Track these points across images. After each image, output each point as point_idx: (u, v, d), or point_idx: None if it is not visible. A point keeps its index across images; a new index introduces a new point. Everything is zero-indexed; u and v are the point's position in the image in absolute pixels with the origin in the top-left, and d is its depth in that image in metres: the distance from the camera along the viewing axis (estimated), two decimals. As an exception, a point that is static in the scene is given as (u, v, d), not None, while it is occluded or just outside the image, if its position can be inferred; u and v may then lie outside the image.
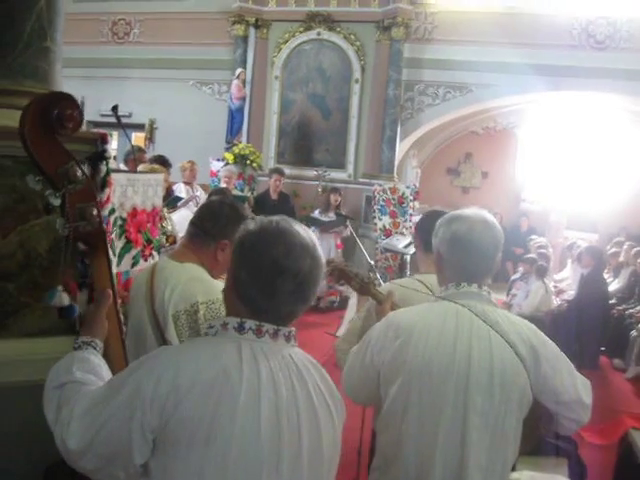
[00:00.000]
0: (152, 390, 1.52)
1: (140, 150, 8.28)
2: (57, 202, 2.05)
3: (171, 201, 6.90)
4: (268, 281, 1.63)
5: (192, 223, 2.80)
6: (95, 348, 1.91)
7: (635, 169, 13.70)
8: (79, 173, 2.05)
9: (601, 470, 4.96)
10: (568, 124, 14.04)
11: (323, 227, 9.67)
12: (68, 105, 2.02)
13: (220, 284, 2.67)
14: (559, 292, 9.29)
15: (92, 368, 1.81)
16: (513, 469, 3.47)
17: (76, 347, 1.90)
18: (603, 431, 5.45)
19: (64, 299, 2.12)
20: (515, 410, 2.19)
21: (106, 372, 1.85)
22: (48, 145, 2.02)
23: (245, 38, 12.21)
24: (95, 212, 2.09)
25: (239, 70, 11.64)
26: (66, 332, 2.71)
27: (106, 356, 1.96)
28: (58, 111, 2.00)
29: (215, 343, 1.65)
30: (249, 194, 10.14)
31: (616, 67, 10.93)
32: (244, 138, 11.89)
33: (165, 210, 5.64)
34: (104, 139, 2.72)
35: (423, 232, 3.15)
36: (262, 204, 9.10)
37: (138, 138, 12.51)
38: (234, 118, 11.46)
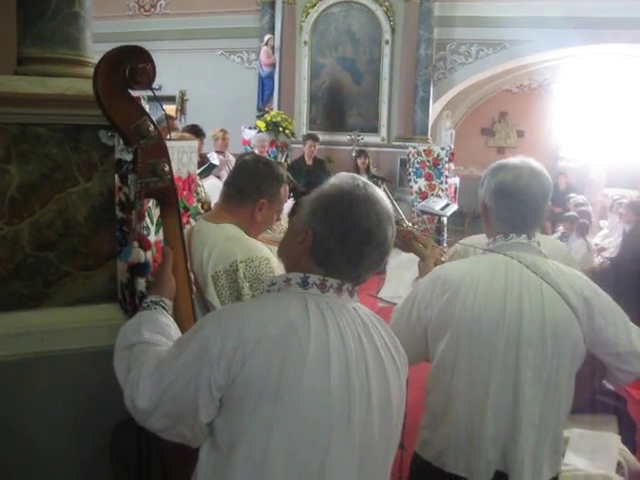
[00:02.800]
0: (219, 347, 1.50)
1: (170, 117, 8.25)
2: (129, 157, 2.04)
3: (206, 168, 6.86)
4: (357, 250, 1.61)
5: (227, 184, 2.76)
6: (164, 307, 1.90)
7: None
8: (151, 128, 2.02)
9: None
10: (604, 79, 13.70)
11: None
12: (140, 59, 2.00)
13: (258, 243, 2.64)
14: (601, 250, 9.11)
15: (161, 328, 1.80)
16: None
17: (145, 307, 1.89)
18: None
19: (140, 255, 2.11)
20: (568, 363, 2.13)
21: (175, 331, 1.83)
22: (121, 100, 2.00)
23: (272, 4, 12.10)
24: (167, 168, 2.06)
25: (267, 36, 11.54)
26: (108, 300, 2.71)
27: (175, 315, 1.96)
28: (130, 65, 1.97)
29: (280, 298, 1.62)
30: (283, 161, 10.09)
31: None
32: (275, 105, 11.83)
33: (198, 177, 5.61)
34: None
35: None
36: (297, 170, 9.05)
37: (169, 110, 12.48)
38: (264, 85, 11.39)
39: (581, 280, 2.21)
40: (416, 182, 10.66)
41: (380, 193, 1.67)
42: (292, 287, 1.62)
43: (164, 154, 2.07)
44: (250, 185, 2.66)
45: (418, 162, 10.71)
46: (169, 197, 2.13)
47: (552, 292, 2.12)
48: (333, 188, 1.65)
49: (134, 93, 2.09)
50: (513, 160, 2.28)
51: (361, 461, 1.59)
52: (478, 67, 11.90)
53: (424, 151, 10.63)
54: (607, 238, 9.79)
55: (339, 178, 1.68)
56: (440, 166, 10.55)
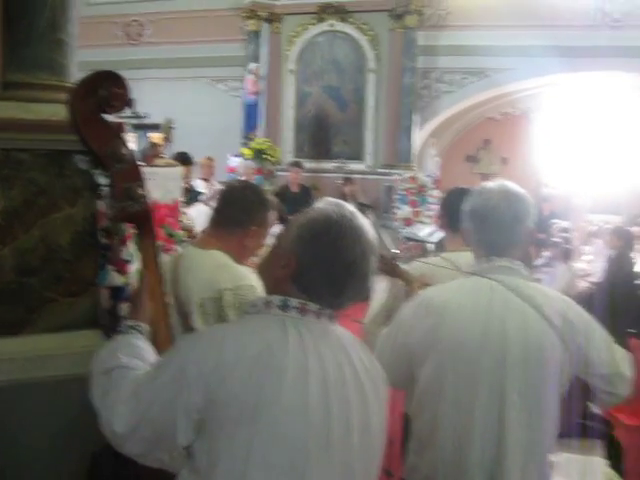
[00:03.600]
0: (197, 368, 1.50)
1: (155, 145, 8.28)
2: (105, 182, 2.04)
3: (192, 197, 6.88)
4: (340, 280, 1.62)
5: (216, 210, 2.76)
6: (140, 332, 1.89)
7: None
8: (126, 152, 2.04)
9: (639, 451, 4.89)
10: (586, 106, 13.87)
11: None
12: (115, 83, 2.02)
13: (246, 270, 2.64)
14: (585, 275, 9.15)
15: (137, 352, 1.78)
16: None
17: (121, 331, 1.88)
18: (637, 411, 5.36)
19: (116, 279, 2.10)
20: (554, 385, 2.14)
21: (152, 356, 1.82)
22: (96, 125, 2.02)
23: (258, 33, 12.16)
24: (141, 191, 2.07)
25: (253, 65, 11.62)
26: (90, 326, 2.70)
27: (153, 339, 1.95)
28: (105, 90, 1.99)
29: (259, 320, 1.62)
30: (268, 189, 10.11)
31: (633, 45, 10.78)
32: (261, 133, 11.87)
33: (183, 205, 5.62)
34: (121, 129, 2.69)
35: (447, 210, 3.11)
36: (282, 198, 9.05)
37: (156, 138, 12.51)
38: (250, 113, 11.45)
39: (564, 302, 2.22)
40: (401, 209, 10.69)
41: (366, 224, 1.68)
42: (272, 309, 1.62)
43: (139, 177, 2.09)
44: (239, 212, 2.66)
45: (403, 189, 10.76)
46: (145, 220, 2.13)
47: (536, 315, 2.12)
48: (320, 216, 1.65)
49: (119, 119, 2.11)
50: (490, 184, 2.31)
51: None
52: (462, 95, 12.00)
53: (409, 178, 10.69)
54: (592, 263, 9.84)
55: (326, 204, 1.69)
56: (425, 193, 10.60)
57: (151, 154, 7.07)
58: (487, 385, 2.10)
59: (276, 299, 1.62)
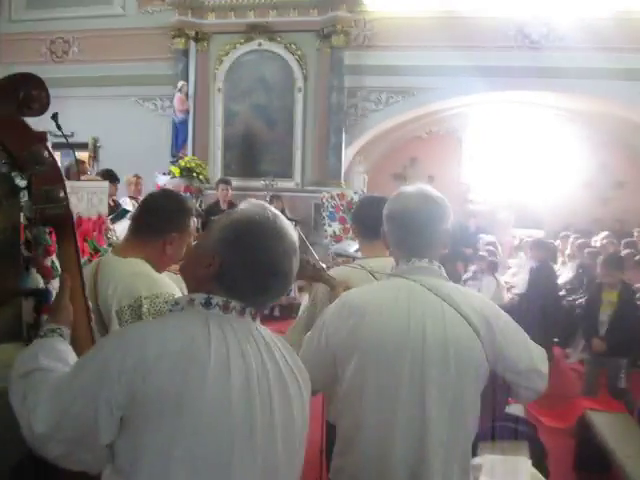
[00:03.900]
0: (119, 364, 1.49)
1: (80, 163, 8.15)
2: (23, 184, 2.01)
3: (119, 214, 6.77)
4: (263, 280, 1.66)
5: (135, 218, 2.74)
6: (61, 335, 1.87)
7: (575, 165, 14.06)
8: (46, 154, 2.02)
9: (562, 452, 5.04)
10: (508, 124, 14.32)
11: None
12: (34, 85, 2.00)
13: (165, 278, 2.63)
14: (510, 287, 9.39)
15: (58, 355, 1.76)
16: (475, 454, 3.51)
17: (42, 335, 1.86)
18: (560, 415, 5.53)
19: (39, 281, 2.07)
20: (472, 381, 2.18)
21: (73, 359, 1.80)
22: (15, 126, 1.99)
23: (186, 52, 12.16)
24: (62, 194, 2.04)
25: (181, 83, 11.60)
26: (13, 339, 2.63)
27: (74, 343, 1.92)
28: (24, 92, 1.97)
29: (181, 316, 1.64)
30: (198, 206, 10.06)
31: (551, 65, 11.21)
32: (189, 151, 11.82)
33: (109, 222, 5.54)
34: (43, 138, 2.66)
35: (361, 218, 3.17)
36: (213, 215, 9.02)
37: (82, 157, 12.31)
38: (178, 131, 11.42)
39: (481, 301, 2.28)
40: (330, 226, 10.78)
41: (288, 225, 1.72)
42: (195, 307, 1.64)
43: (59, 180, 2.07)
44: (160, 219, 2.65)
45: (332, 206, 10.86)
46: (65, 223, 2.11)
47: (454, 313, 2.17)
48: (244, 217, 1.68)
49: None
50: (408, 188, 2.36)
51: (265, 478, 1.60)
52: (388, 113, 12.22)
53: (337, 195, 10.80)
54: (516, 276, 10.10)
55: (250, 206, 1.72)
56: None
57: (76, 172, 6.94)
58: (408, 382, 2.13)
59: (199, 297, 1.64)
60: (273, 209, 1.72)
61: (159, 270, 2.64)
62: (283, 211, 10.01)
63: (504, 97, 12.62)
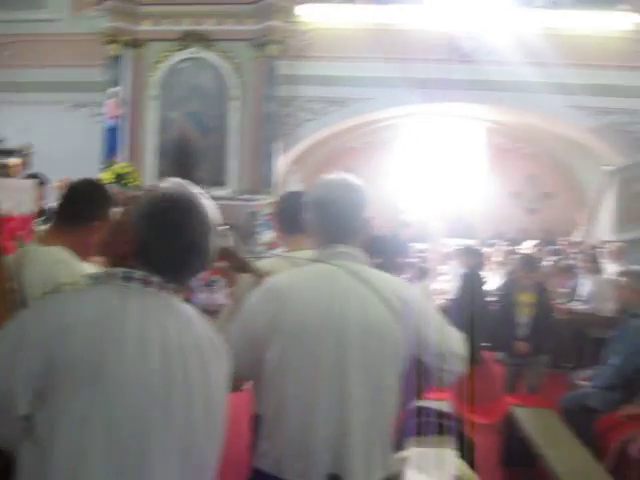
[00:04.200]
0: (36, 333, 1.50)
1: (9, 167, 8.00)
2: None
3: (48, 217, 6.66)
4: (181, 257, 1.68)
5: (60, 206, 2.73)
6: None
7: (504, 176, 14.44)
8: None
9: (489, 448, 5.16)
10: (441, 136, 14.60)
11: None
12: None
13: (86, 266, 2.62)
14: (441, 293, 9.55)
15: None
16: (401, 448, 3.58)
17: None
18: (487, 411, 5.66)
19: None
20: (392, 363, 2.23)
21: None
22: None
23: (120, 58, 12.05)
24: None
25: (114, 89, 11.48)
26: None
27: None
28: None
29: (100, 288, 1.64)
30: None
31: (481, 78, 11.54)
32: (122, 158, 11.69)
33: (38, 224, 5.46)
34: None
35: (283, 213, 3.21)
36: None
37: (13, 163, 12.01)
38: (110, 138, 11.29)
39: (401, 285, 2.35)
40: (264, 234, 10.81)
41: (207, 204, 1.75)
42: (114, 281, 1.65)
43: None
44: (82, 208, 2.65)
45: (265, 215, 10.90)
46: None
47: (374, 296, 2.22)
48: (164, 195, 1.70)
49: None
50: (331, 176, 2.43)
51: (184, 449, 1.61)
52: (323, 124, 12.36)
53: (271, 204, 10.84)
54: (448, 282, 10.29)
55: (170, 184, 1.74)
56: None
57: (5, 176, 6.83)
58: (329, 364, 2.17)
59: (119, 271, 1.65)
60: (194, 189, 1.75)
61: (83, 259, 2.63)
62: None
63: (436, 109, 12.90)
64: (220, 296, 8.04)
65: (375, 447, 2.23)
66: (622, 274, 5.73)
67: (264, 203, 10.92)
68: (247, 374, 2.36)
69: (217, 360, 1.73)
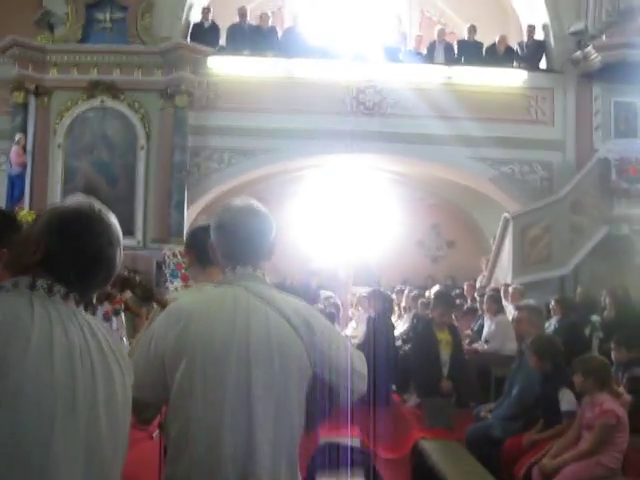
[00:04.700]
0: None
1: None
2: None
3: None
4: (87, 267, 1.72)
5: None
6: None
7: (408, 225, 14.88)
8: None
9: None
10: (348, 187, 14.95)
11: (100, 295, 9.39)
12: None
13: None
14: (351, 337, 9.66)
15: None
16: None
17: None
18: (395, 446, 5.75)
19: None
20: (296, 380, 2.29)
21: None
22: None
23: (25, 106, 11.82)
24: None
25: (18, 136, 11.27)
26: None
27: None
28: None
29: (6, 296, 1.65)
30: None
31: (385, 131, 11.95)
32: (27, 206, 11.42)
33: None
34: None
35: (195, 246, 3.26)
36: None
37: None
38: (14, 185, 11.03)
39: (302, 305, 2.42)
40: (172, 283, 10.73)
41: (113, 219, 1.81)
42: (19, 289, 1.66)
43: None
44: None
45: (174, 263, 10.84)
46: None
47: (277, 316, 2.30)
48: (70, 207, 1.76)
49: None
50: (236, 200, 2.50)
51: (87, 454, 1.62)
52: (230, 173, 12.46)
53: (179, 252, 10.79)
54: (356, 329, 10.43)
55: (76, 199, 1.81)
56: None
57: None
58: (234, 382, 2.21)
59: (24, 280, 1.68)
60: (99, 204, 1.81)
61: None
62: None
63: (343, 160, 13.22)
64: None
65: (281, 464, 2.25)
66: (520, 308, 6.00)
67: (172, 252, 10.86)
68: (150, 395, 2.36)
69: (119, 369, 1.76)
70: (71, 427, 1.59)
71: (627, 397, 5.03)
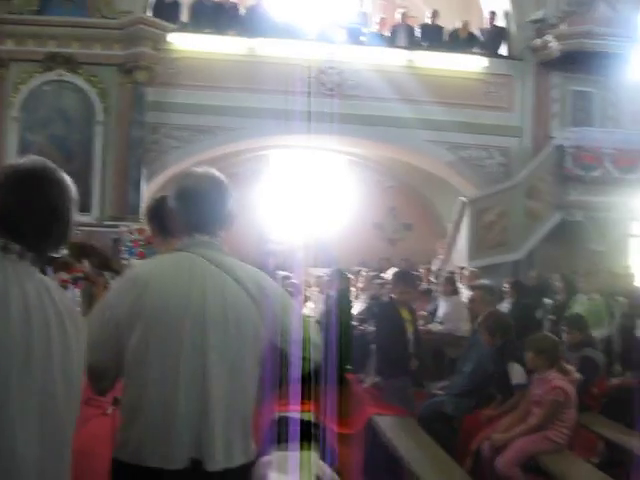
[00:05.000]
0: None
1: None
2: None
3: None
4: (43, 224, 1.73)
5: None
6: None
7: (366, 208, 14.96)
8: None
9: (351, 457, 5.29)
10: (306, 168, 14.96)
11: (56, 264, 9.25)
12: None
13: None
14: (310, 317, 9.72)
15: None
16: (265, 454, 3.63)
17: None
18: (349, 422, 5.80)
19: None
20: (251, 346, 2.31)
21: None
22: None
23: (-21, 77, 11.54)
24: None
25: (-29, 108, 11.02)
26: None
27: None
28: None
29: None
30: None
31: (345, 112, 11.91)
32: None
33: None
34: None
35: (156, 216, 3.25)
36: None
37: None
38: (-33, 159, 10.79)
39: (258, 273, 2.44)
40: (129, 260, 10.63)
41: (67, 178, 1.82)
42: None
43: None
44: None
45: (130, 241, 10.74)
46: None
47: (232, 282, 2.32)
48: (25, 164, 1.77)
49: None
50: (196, 169, 2.51)
51: (42, 407, 1.64)
52: (189, 152, 12.31)
53: (136, 230, 10.70)
54: (314, 309, 10.49)
55: (31, 158, 1.81)
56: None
57: None
58: (189, 347, 2.22)
59: None
60: (53, 164, 1.81)
61: None
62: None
63: (303, 141, 13.19)
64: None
65: (235, 432, 2.28)
66: (474, 287, 6.10)
67: (129, 230, 10.75)
68: (107, 363, 2.35)
69: (75, 330, 1.77)
70: (26, 378, 1.60)
71: (576, 375, 5.16)
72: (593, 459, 5.08)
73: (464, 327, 8.06)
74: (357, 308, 10.13)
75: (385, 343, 6.62)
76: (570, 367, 5.11)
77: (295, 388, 2.54)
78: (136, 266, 2.47)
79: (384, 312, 7.15)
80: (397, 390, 6.23)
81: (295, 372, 2.54)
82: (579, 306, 8.27)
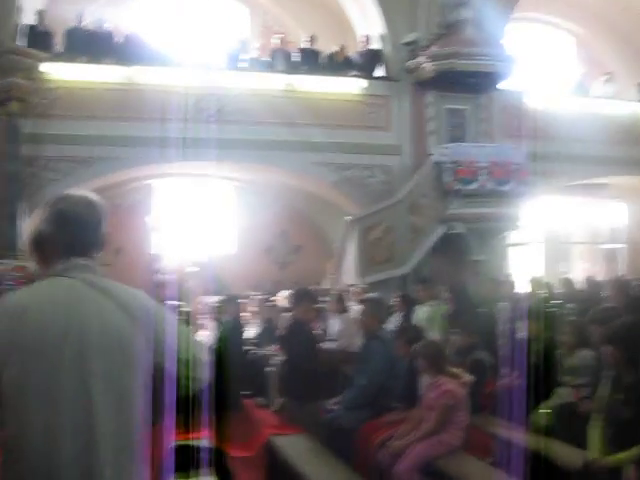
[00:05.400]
0: None
1: None
2: None
3: None
4: None
5: None
6: None
7: (257, 232, 14.97)
8: None
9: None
10: (191, 195, 14.84)
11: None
12: None
13: None
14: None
15: None
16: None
17: None
18: (247, 445, 5.75)
19: None
20: (135, 369, 2.24)
21: None
22: None
23: None
24: None
25: None
26: None
27: None
28: None
29: None
30: None
31: (228, 138, 11.93)
32: None
33: None
34: None
35: (36, 247, 3.12)
36: None
37: None
38: None
39: (138, 294, 2.38)
40: (11, 299, 10.20)
41: None
42: None
43: None
44: None
45: (12, 279, 10.29)
46: None
47: (112, 305, 2.25)
48: None
49: None
50: (73, 192, 2.45)
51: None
52: (67, 184, 11.80)
53: (15, 267, 10.28)
54: (208, 335, 10.35)
55: None
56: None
57: None
58: (71, 375, 2.13)
59: None
60: None
61: None
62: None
63: (184, 168, 13.06)
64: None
65: (124, 457, 2.19)
66: (362, 301, 6.20)
67: (9, 267, 10.30)
68: None
69: None
70: None
71: (467, 377, 5.32)
72: (487, 458, 5.23)
73: (357, 342, 8.14)
74: (251, 332, 10.08)
75: (299, 362, 6.66)
76: (459, 370, 5.26)
77: (179, 409, 2.47)
78: (11, 295, 2.35)
79: (293, 333, 7.17)
80: (307, 409, 6.31)
81: (179, 393, 2.48)
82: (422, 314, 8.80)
